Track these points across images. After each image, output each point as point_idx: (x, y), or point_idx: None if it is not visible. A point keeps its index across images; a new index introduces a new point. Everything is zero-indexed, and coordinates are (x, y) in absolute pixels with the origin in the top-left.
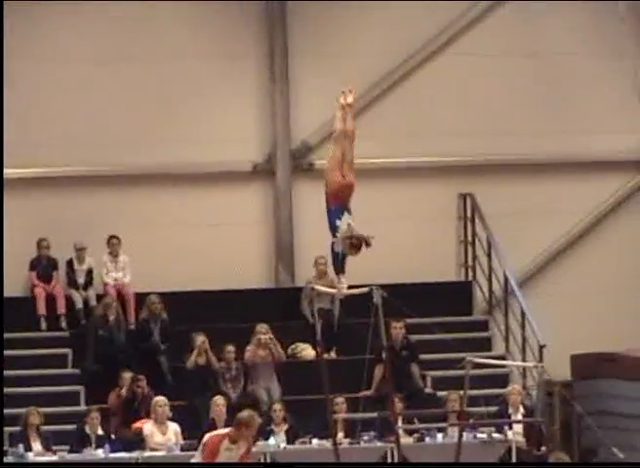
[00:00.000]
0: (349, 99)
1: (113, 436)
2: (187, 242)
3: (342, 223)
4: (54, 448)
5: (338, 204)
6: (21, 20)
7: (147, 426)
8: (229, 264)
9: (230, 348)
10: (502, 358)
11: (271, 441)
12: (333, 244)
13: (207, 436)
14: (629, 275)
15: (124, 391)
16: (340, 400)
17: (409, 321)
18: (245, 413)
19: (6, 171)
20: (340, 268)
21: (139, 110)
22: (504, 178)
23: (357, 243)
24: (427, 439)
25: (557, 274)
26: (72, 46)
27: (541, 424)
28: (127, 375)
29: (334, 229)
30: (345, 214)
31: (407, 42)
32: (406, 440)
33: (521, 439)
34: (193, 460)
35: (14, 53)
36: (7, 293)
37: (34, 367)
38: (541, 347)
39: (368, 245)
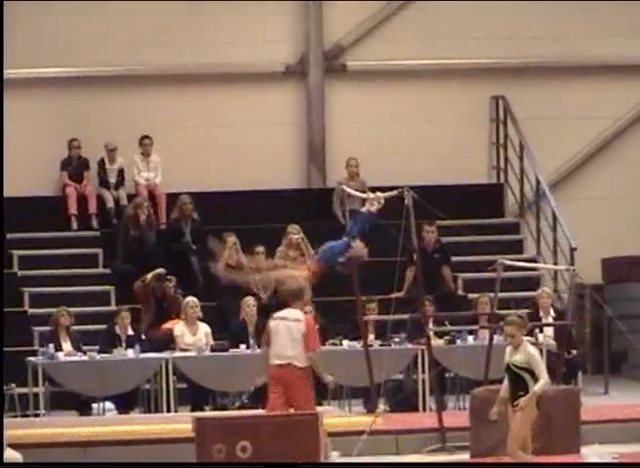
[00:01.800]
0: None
1: (143, 336)
2: (219, 142)
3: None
4: (84, 348)
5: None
6: None
7: (178, 327)
8: (261, 165)
9: (260, 249)
10: (534, 261)
11: None
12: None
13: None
14: None
15: (149, 277)
16: (370, 302)
17: (440, 223)
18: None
19: (38, 70)
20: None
21: (172, 11)
22: (536, 82)
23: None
24: (458, 341)
25: (588, 177)
26: None
27: (572, 327)
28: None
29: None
30: None
31: None
32: (437, 342)
33: (552, 342)
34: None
35: None
36: (38, 193)
37: (65, 266)
38: (573, 250)
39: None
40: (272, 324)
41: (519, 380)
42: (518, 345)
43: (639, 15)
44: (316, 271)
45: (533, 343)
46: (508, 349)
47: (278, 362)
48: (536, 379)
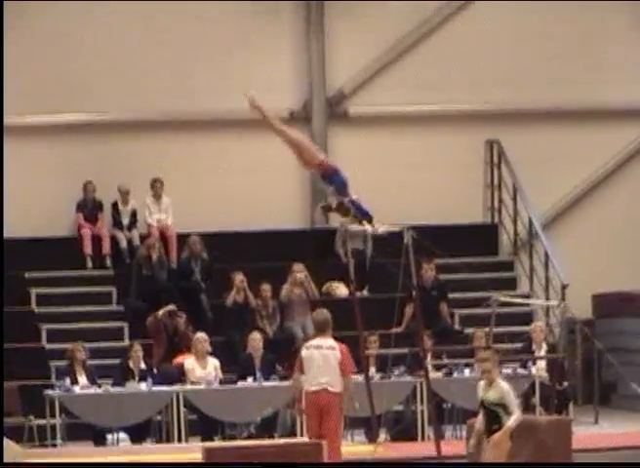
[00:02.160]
0: None
1: (155, 370)
2: (227, 185)
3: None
4: (98, 381)
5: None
6: None
7: (188, 361)
8: (267, 207)
9: (266, 286)
10: (527, 297)
11: None
12: (351, 201)
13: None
14: None
15: (160, 313)
16: (372, 336)
17: (438, 261)
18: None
19: (55, 116)
20: (367, 214)
21: (182, 60)
22: (529, 126)
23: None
24: (455, 373)
25: (579, 217)
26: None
27: (564, 360)
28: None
29: (343, 187)
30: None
31: None
32: (435, 375)
33: (544, 374)
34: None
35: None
36: (55, 234)
37: (80, 304)
38: (564, 287)
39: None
40: (305, 353)
41: (493, 415)
42: (492, 381)
43: (625, 62)
44: (324, 167)
45: (526, 376)
46: (482, 384)
47: (313, 388)
48: (509, 414)
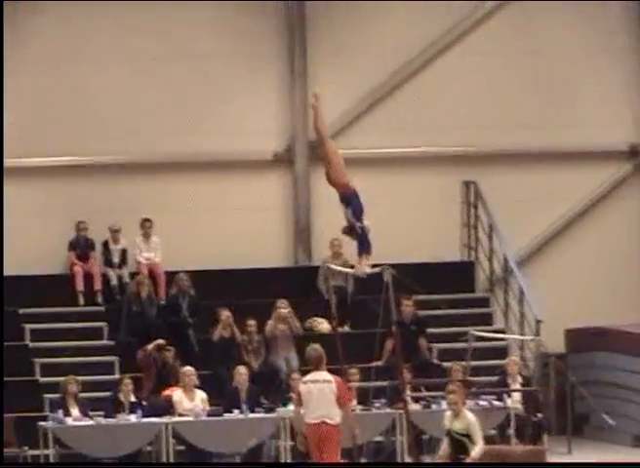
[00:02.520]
0: None
1: (145, 402)
2: (214, 224)
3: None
4: (90, 413)
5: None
6: (54, 20)
7: (176, 393)
8: (252, 245)
9: (252, 322)
10: (502, 332)
11: (290, 407)
12: (361, 228)
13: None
14: (619, 257)
15: (150, 347)
16: (353, 370)
17: (417, 297)
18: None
19: (47, 159)
20: (368, 248)
21: (168, 104)
22: (505, 167)
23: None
24: (433, 405)
25: (553, 255)
26: (106, 44)
27: (538, 393)
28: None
29: (360, 211)
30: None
31: (417, 40)
32: (414, 407)
33: (519, 406)
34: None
35: (49, 44)
36: (48, 272)
37: (73, 338)
38: (538, 322)
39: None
40: (303, 387)
41: (460, 445)
42: (459, 413)
43: (598, 104)
44: (347, 188)
45: (502, 408)
46: (448, 415)
47: (313, 421)
48: (474, 443)
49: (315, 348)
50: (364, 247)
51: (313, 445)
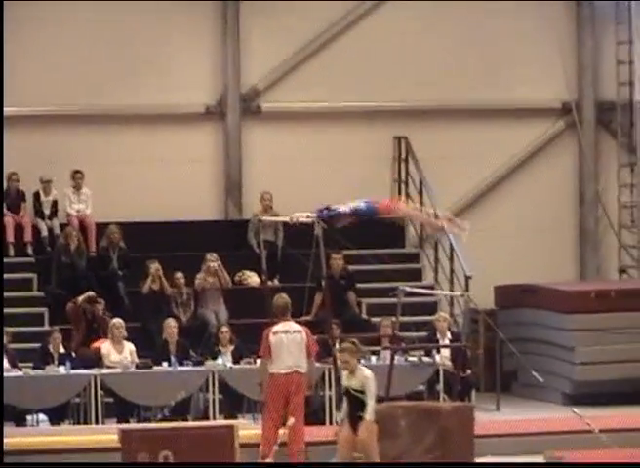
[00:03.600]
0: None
1: (74, 354)
2: (145, 177)
3: None
4: (19, 364)
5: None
6: None
7: (105, 345)
8: (183, 198)
9: (179, 275)
10: (432, 287)
11: (219, 360)
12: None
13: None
14: (550, 214)
15: (80, 299)
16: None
17: (347, 252)
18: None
19: None
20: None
21: (101, 56)
22: (436, 123)
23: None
24: (362, 361)
25: (483, 212)
26: None
27: (466, 349)
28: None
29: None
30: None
31: None
32: None
33: (448, 362)
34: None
35: None
36: None
37: (3, 289)
38: (467, 278)
39: None
40: (273, 338)
41: (357, 402)
42: (354, 370)
43: (529, 61)
44: (391, 209)
45: (431, 363)
46: (345, 374)
47: (284, 371)
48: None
49: (282, 296)
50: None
51: (280, 396)
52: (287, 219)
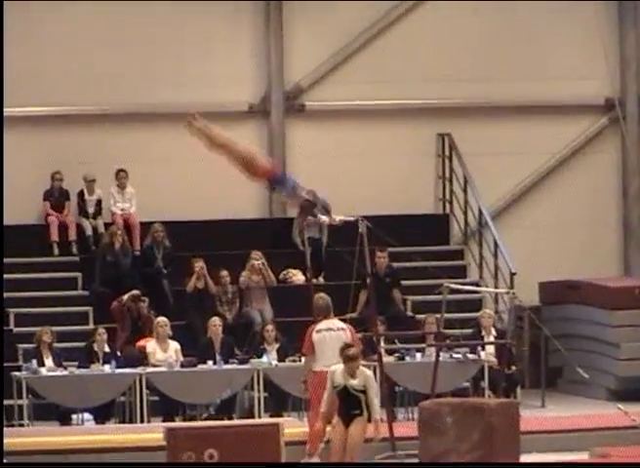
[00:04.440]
0: None
1: (119, 353)
2: (189, 175)
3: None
4: (64, 363)
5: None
6: None
7: (150, 344)
8: (227, 196)
9: (224, 273)
10: (476, 284)
11: (264, 358)
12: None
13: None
14: (593, 210)
15: (125, 298)
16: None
17: (391, 250)
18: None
19: (24, 109)
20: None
21: (144, 55)
22: (480, 120)
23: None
24: (407, 358)
25: (527, 208)
26: None
27: (511, 346)
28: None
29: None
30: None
31: None
32: (387, 359)
33: (493, 359)
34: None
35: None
36: (23, 221)
37: (47, 289)
38: (512, 275)
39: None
40: (317, 336)
41: (354, 401)
42: (355, 371)
43: (572, 58)
44: (272, 174)
45: (476, 360)
46: (341, 371)
47: (327, 369)
48: (368, 398)
49: (322, 297)
50: (326, 208)
51: (323, 392)
52: (328, 220)
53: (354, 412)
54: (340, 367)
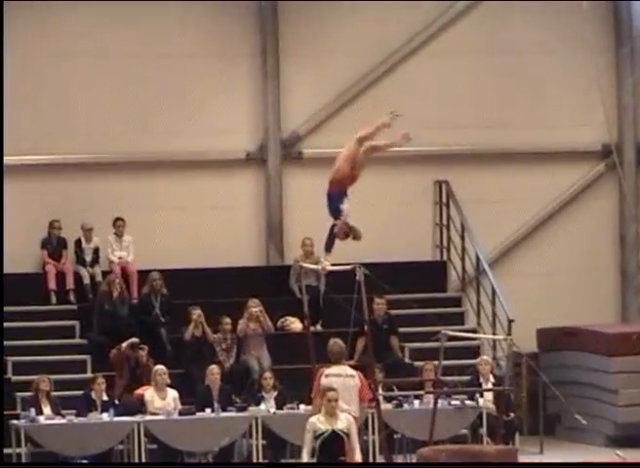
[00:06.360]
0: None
1: (117, 401)
2: (186, 223)
3: (345, 207)
4: (62, 412)
5: (340, 190)
6: (30, 18)
7: (148, 392)
8: (224, 244)
9: (227, 320)
10: (474, 331)
11: (262, 406)
12: (334, 226)
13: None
14: (591, 257)
15: (124, 346)
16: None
17: (389, 297)
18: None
19: (19, 158)
20: (329, 247)
21: (141, 103)
22: (477, 167)
23: (348, 232)
24: (405, 405)
25: (524, 255)
26: (77, 43)
27: (510, 392)
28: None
29: (335, 212)
30: (345, 198)
31: (388, 41)
32: (386, 406)
33: (491, 405)
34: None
35: (25, 47)
36: (20, 270)
37: (45, 337)
38: (510, 321)
39: (355, 238)
40: (326, 381)
41: (341, 446)
42: (334, 413)
43: (569, 105)
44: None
45: (474, 407)
46: (321, 419)
47: None
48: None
49: (337, 342)
50: (328, 244)
51: None
52: (319, 268)
53: (341, 459)
54: (317, 416)
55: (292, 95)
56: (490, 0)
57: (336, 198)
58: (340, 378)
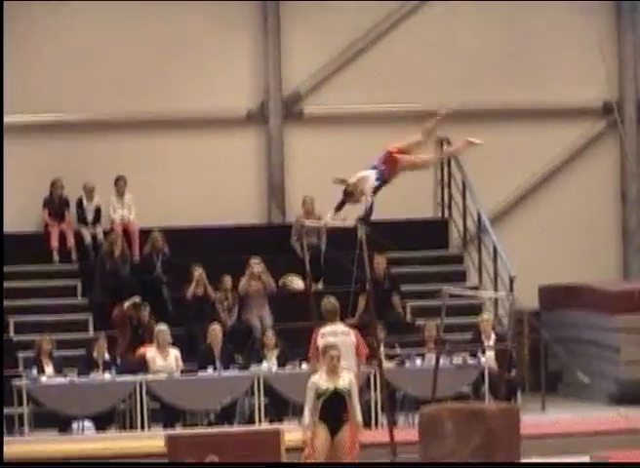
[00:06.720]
0: None
1: (119, 360)
2: (188, 182)
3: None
4: (64, 371)
5: (388, 174)
6: None
7: (150, 351)
8: (226, 202)
9: (227, 278)
10: (476, 289)
11: (264, 364)
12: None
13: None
14: (590, 214)
15: (126, 305)
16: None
17: (390, 255)
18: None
19: (21, 117)
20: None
21: (142, 62)
22: (479, 125)
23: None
24: (407, 363)
25: (526, 212)
26: (83, 5)
27: (512, 350)
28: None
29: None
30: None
31: None
32: (387, 364)
33: (493, 363)
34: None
35: (26, 6)
36: (22, 229)
37: (47, 296)
38: (512, 279)
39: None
40: (322, 341)
41: (343, 404)
42: (336, 371)
43: (570, 62)
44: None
45: (476, 365)
46: (323, 377)
47: None
48: (352, 401)
49: (330, 301)
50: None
51: None
52: (322, 224)
53: (344, 417)
54: (320, 374)
55: (293, 53)
56: None
57: (380, 177)
58: (337, 337)
